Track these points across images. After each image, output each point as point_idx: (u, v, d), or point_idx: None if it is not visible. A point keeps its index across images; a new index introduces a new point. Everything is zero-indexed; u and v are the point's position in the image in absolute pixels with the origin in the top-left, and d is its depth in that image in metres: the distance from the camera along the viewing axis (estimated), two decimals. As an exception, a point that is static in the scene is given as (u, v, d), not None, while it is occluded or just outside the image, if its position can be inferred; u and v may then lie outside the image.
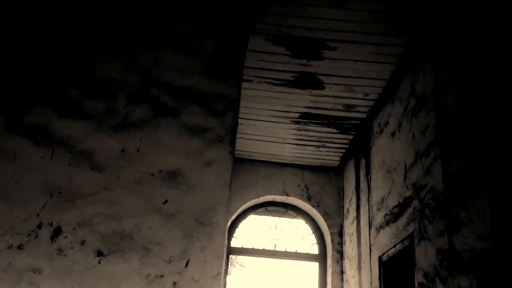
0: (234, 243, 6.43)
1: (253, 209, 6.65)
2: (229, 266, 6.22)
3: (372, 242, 4.96)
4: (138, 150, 2.54)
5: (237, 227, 6.53)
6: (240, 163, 6.58)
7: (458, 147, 3.24)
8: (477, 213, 2.92)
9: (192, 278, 2.24)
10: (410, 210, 4.03)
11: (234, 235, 6.48)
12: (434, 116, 3.68)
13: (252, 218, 6.70)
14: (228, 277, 6.36)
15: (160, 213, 2.40)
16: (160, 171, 2.48)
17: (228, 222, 6.08)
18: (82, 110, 2.65)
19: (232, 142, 2.51)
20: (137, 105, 2.67)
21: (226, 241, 2.35)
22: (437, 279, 3.43)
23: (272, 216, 6.72)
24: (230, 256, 6.69)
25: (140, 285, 2.24)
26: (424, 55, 3.98)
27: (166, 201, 2.41)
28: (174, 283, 2.23)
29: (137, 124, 2.61)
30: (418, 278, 3.74)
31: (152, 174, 2.48)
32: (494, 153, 2.79)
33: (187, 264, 2.25)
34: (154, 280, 2.25)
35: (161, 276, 2.26)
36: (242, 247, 6.40)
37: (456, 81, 3.35)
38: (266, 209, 6.71)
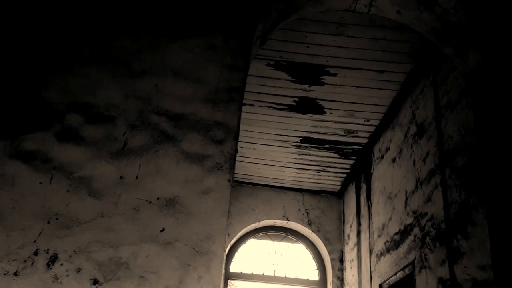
0: (233, 267, 6.35)
1: (253, 233, 6.60)
2: (228, 290, 6.14)
3: (372, 269, 4.91)
4: (136, 177, 2.53)
5: (236, 251, 6.47)
6: (241, 187, 6.56)
7: (458, 176, 3.23)
8: (478, 242, 2.89)
9: (188, 308, 2.21)
10: (411, 237, 3.99)
11: (233, 259, 6.41)
12: (434, 143, 3.68)
13: (251, 243, 6.64)
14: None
15: (157, 241, 2.38)
16: (158, 198, 2.47)
17: (226, 250, 6.02)
18: (82, 136, 2.65)
19: (231, 170, 2.51)
20: (136, 132, 2.68)
21: (223, 271, 2.32)
22: (438, 309, 3.38)
23: (272, 240, 6.66)
24: (229, 281, 6.60)
25: (135, 315, 2.20)
26: (424, 82, 4.00)
27: (163, 229, 2.39)
28: (170, 313, 2.20)
29: (136, 151, 2.61)
30: (419, 307, 3.68)
31: (150, 202, 2.47)
32: (495, 181, 2.78)
33: (183, 293, 2.23)
34: (150, 310, 2.22)
35: (157, 306, 2.23)
36: (241, 272, 6.32)
37: (457, 109, 3.36)
38: (266, 233, 6.66)
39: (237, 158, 5.92)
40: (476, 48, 2.95)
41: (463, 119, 3.24)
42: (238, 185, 6.56)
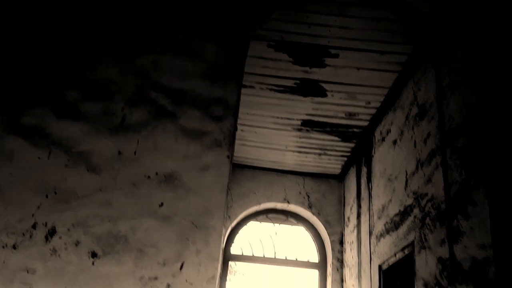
0: (234, 249, 6.39)
1: (254, 216, 6.62)
2: (228, 273, 6.18)
3: (372, 250, 4.92)
4: (135, 153, 2.53)
5: (237, 233, 6.50)
6: (242, 170, 6.56)
7: (459, 156, 3.22)
8: (478, 222, 2.89)
9: (186, 281, 2.23)
10: (411, 218, 4.00)
11: (234, 241, 6.45)
12: (436, 124, 3.66)
13: (252, 225, 6.67)
14: (227, 284, 6.33)
15: (155, 216, 2.39)
16: (157, 174, 2.48)
17: (228, 229, 6.05)
18: (80, 112, 2.65)
19: (230, 147, 2.51)
20: (134, 107, 2.67)
21: (222, 245, 2.34)
22: (437, 289, 3.39)
23: (273, 223, 6.69)
24: (230, 263, 6.66)
25: (134, 287, 2.22)
26: (426, 63, 3.97)
27: (162, 204, 2.40)
28: (168, 286, 2.22)
29: (135, 126, 2.61)
30: (418, 287, 3.70)
31: (149, 177, 2.47)
32: (496, 161, 2.77)
33: (181, 267, 2.24)
34: (148, 282, 2.23)
35: (155, 278, 2.25)
36: (242, 254, 6.36)
37: (458, 90, 3.34)
38: (266, 216, 6.68)
39: (238, 142, 5.92)
40: (479, 29, 2.91)
41: (464, 100, 3.22)
42: (240, 169, 6.56)
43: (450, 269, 3.22)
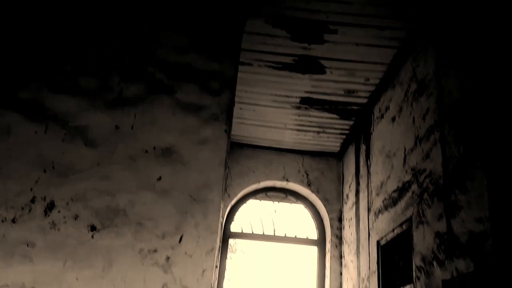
0: (234, 227, 6.44)
1: (253, 194, 6.65)
2: (228, 251, 6.24)
3: (370, 227, 4.96)
4: (132, 127, 2.53)
5: (237, 212, 6.54)
6: (241, 148, 6.57)
7: (458, 131, 3.22)
8: (476, 196, 2.90)
9: (185, 253, 2.25)
10: (409, 194, 4.02)
11: (234, 219, 6.49)
12: (434, 100, 3.65)
13: (251, 203, 6.71)
14: (228, 262, 6.38)
15: (154, 189, 2.39)
16: (154, 148, 2.47)
17: (228, 207, 6.08)
18: (76, 86, 2.63)
19: (228, 121, 2.50)
20: (131, 82, 2.65)
21: (221, 219, 2.35)
22: (434, 262, 3.43)
23: (272, 201, 6.73)
24: (230, 242, 6.70)
25: (133, 259, 2.24)
26: (425, 38, 3.94)
27: (160, 178, 2.40)
28: (168, 258, 2.24)
29: (131, 101, 2.59)
30: (416, 261, 3.74)
31: (146, 151, 2.47)
32: (494, 136, 2.77)
33: (180, 239, 2.25)
34: (148, 254, 2.25)
35: (155, 251, 2.26)
36: (242, 232, 6.41)
37: (458, 65, 3.32)
38: (266, 194, 6.71)
39: (237, 120, 5.90)
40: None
41: (464, 75, 3.20)
42: (239, 147, 6.57)
43: (448, 243, 3.25)
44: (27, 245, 2.21)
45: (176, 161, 2.46)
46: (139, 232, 2.30)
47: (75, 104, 2.58)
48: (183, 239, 2.25)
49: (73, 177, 2.41)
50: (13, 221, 2.31)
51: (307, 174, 6.53)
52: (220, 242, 5.50)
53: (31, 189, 2.38)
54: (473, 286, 2.76)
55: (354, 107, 5.46)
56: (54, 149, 2.46)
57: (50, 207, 2.34)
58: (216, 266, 2.17)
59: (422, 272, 3.61)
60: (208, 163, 2.43)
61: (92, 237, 2.28)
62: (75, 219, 2.32)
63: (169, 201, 2.37)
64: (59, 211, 2.32)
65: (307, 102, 5.41)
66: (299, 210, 6.72)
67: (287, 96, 5.33)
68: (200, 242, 2.26)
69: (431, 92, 3.74)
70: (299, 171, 6.54)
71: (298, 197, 6.71)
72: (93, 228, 2.29)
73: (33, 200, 2.37)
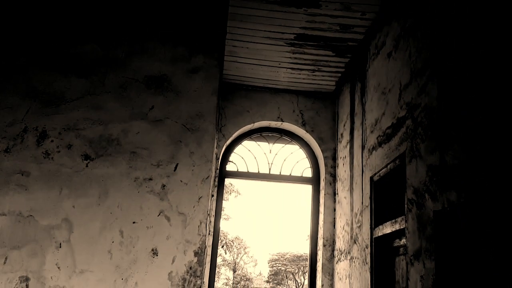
0: (229, 167, 6.50)
1: (248, 134, 6.66)
2: (224, 192, 6.33)
3: (364, 163, 5.02)
4: (122, 56, 2.47)
5: (232, 152, 6.58)
6: (235, 89, 6.50)
7: (455, 63, 3.17)
8: (470, 128, 2.90)
9: (181, 181, 2.26)
10: (403, 130, 4.02)
11: (229, 159, 6.54)
12: (432, 33, 3.57)
13: (247, 144, 6.73)
14: (224, 203, 6.49)
15: (146, 118, 2.37)
16: (145, 77, 2.42)
17: (223, 147, 6.10)
18: (66, 15, 2.53)
19: (220, 50, 2.43)
20: (121, 11, 2.56)
21: (214, 148, 2.35)
22: (426, 195, 3.49)
23: (267, 141, 6.75)
24: (226, 184, 6.79)
25: (128, 187, 2.26)
26: (424, -33, 3.78)
27: (152, 107, 2.37)
28: (163, 186, 2.25)
29: (121, 30, 2.51)
30: (408, 194, 3.80)
31: (137, 80, 2.43)
32: (491, 70, 2.73)
33: (175, 168, 2.26)
34: (143, 182, 2.27)
35: (150, 179, 2.28)
36: (237, 171, 6.48)
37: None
38: (261, 134, 6.73)
39: (230, 58, 5.79)
40: None
41: (463, 7, 3.10)
42: (232, 87, 6.50)
43: (440, 176, 3.29)
44: (22, 174, 2.21)
45: (168, 91, 2.42)
46: (134, 161, 2.30)
47: (66, 33, 2.50)
48: (178, 167, 2.26)
49: (64, 106, 2.38)
50: (6, 151, 2.30)
51: (302, 114, 6.51)
52: (215, 175, 5.55)
53: (23, 119, 2.35)
54: (464, 215, 2.83)
55: (350, 43, 5.35)
56: (44, 79, 2.41)
57: (42, 136, 2.32)
58: (212, 195, 2.21)
59: (414, 205, 3.69)
60: (201, 92, 2.40)
61: (87, 166, 2.28)
62: (68, 148, 2.31)
63: (162, 130, 2.36)
64: (52, 141, 2.30)
65: (302, 39, 5.30)
66: (294, 151, 6.76)
67: (281, 33, 5.20)
68: (195, 170, 2.27)
69: (428, 25, 3.65)
70: (293, 111, 6.52)
71: (293, 136, 6.73)
72: (87, 157, 2.29)
73: (25, 130, 2.35)
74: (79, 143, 2.33)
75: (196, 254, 2.22)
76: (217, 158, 5.65)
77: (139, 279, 2.23)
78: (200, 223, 2.22)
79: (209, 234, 3.94)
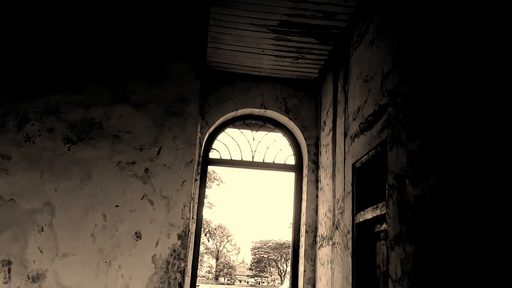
0: (212, 154, 6.50)
1: (231, 122, 6.66)
2: (208, 180, 6.33)
3: (346, 151, 5.07)
4: (103, 38, 2.43)
5: (215, 140, 6.57)
6: (218, 76, 6.47)
7: (429, 50, 3.21)
8: (449, 115, 2.95)
9: (164, 165, 2.26)
10: (385, 117, 4.07)
11: (212, 147, 6.54)
12: (414, 20, 3.60)
13: (230, 131, 6.73)
14: (207, 191, 6.49)
15: (129, 102, 2.35)
16: (128, 59, 2.40)
17: (206, 134, 6.09)
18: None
19: (203, 34, 2.42)
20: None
21: (198, 133, 2.35)
22: (407, 181, 3.55)
23: (250, 129, 6.76)
24: (208, 172, 6.77)
25: (111, 171, 2.25)
26: (407, -45, 3.80)
27: (135, 91, 2.36)
28: (146, 170, 2.25)
29: (104, 13, 2.48)
30: (390, 180, 3.86)
31: (120, 63, 2.40)
32: (462, 55, 2.77)
33: (159, 151, 2.25)
34: (126, 166, 2.26)
35: (133, 163, 2.27)
36: (220, 158, 6.49)
37: (438, -20, 3.24)
38: (244, 122, 6.73)
39: (213, 45, 5.76)
40: None
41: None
42: (215, 74, 6.47)
43: (421, 162, 3.34)
44: (3, 158, 2.17)
45: (151, 73, 2.40)
46: (116, 144, 2.28)
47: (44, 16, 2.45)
48: (161, 151, 2.25)
49: (45, 89, 2.35)
50: (-14, 134, 2.26)
51: (285, 102, 6.53)
52: (198, 161, 5.55)
53: (3, 103, 2.32)
54: (444, 200, 2.89)
55: (333, 31, 5.37)
56: (21, 62, 2.37)
57: (23, 120, 2.28)
58: (196, 179, 2.21)
59: (395, 190, 3.75)
60: (184, 76, 2.38)
61: (69, 149, 2.25)
62: (49, 132, 2.28)
63: (145, 114, 2.34)
64: (33, 124, 2.27)
65: (286, 25, 5.29)
66: (277, 139, 6.78)
67: (265, 19, 5.19)
68: (179, 154, 2.27)
69: (411, 13, 3.68)
70: (277, 99, 6.53)
71: (276, 124, 6.75)
72: (69, 141, 2.26)
73: (6, 114, 2.31)
74: (61, 126, 2.30)
75: (179, 237, 2.23)
76: (200, 145, 5.64)
77: (123, 262, 2.23)
78: (184, 206, 2.23)
79: (192, 220, 3.96)
